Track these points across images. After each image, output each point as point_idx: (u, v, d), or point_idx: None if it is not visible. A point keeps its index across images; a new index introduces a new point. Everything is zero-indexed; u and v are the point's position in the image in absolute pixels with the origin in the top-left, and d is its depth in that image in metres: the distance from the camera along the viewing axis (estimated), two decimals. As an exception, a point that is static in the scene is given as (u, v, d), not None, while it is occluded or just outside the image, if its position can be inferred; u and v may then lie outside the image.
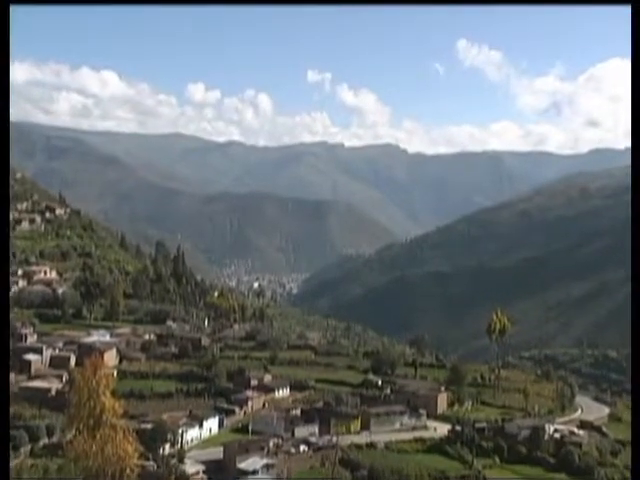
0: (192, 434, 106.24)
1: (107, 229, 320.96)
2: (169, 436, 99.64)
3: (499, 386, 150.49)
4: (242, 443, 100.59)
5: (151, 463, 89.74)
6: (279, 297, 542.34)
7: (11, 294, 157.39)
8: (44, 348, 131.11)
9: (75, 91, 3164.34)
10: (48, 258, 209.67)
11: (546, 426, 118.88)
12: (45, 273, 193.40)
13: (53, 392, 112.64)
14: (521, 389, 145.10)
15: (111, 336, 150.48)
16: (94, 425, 72.60)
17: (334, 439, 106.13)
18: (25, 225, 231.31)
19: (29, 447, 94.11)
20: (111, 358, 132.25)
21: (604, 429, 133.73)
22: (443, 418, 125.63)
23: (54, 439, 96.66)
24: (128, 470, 70.73)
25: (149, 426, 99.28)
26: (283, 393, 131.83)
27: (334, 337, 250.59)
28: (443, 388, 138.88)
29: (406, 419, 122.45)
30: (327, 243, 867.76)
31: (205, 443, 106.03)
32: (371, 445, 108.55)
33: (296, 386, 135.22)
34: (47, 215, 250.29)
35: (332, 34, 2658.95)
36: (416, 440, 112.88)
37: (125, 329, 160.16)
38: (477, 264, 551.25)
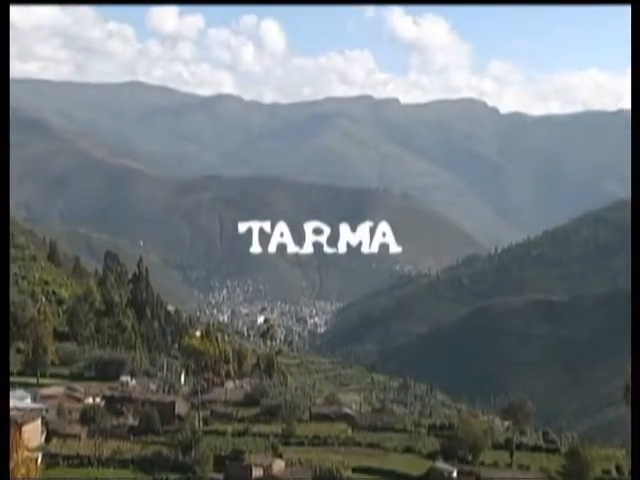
0: None
1: (29, 232, 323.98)
2: None
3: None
4: None
5: None
6: (297, 338, 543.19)
7: None
8: None
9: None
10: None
11: None
12: None
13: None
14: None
15: (34, 400, 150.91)
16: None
17: None
18: None
19: None
20: (34, 434, 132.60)
21: None
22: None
23: None
24: None
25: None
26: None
27: (383, 402, 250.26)
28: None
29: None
30: (371, 254, 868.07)
31: None
32: None
33: (323, 479, 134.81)
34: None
35: None
36: None
37: (56, 388, 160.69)
38: (610, 289, 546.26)
